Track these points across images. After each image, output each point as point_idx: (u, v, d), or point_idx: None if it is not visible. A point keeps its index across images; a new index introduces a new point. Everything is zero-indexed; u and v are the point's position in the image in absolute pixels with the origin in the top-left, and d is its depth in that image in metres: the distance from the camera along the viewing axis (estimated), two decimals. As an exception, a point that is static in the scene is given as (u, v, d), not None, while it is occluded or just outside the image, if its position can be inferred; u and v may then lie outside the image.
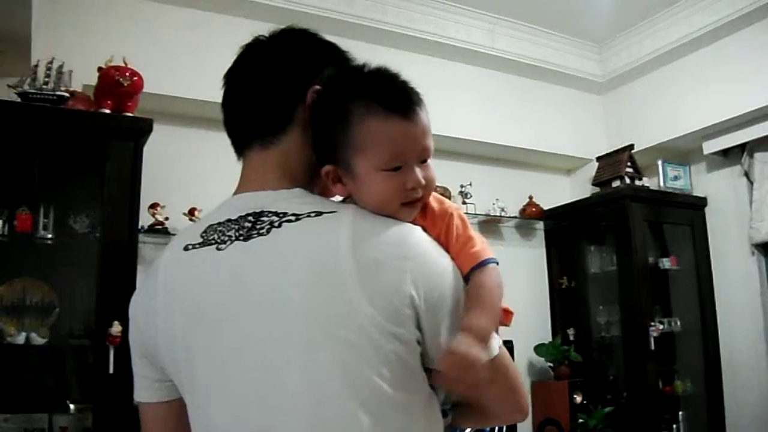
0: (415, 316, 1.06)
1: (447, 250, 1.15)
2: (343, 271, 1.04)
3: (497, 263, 1.16)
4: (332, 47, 1.30)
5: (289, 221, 1.11)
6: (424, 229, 1.15)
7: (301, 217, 1.11)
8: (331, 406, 1.04)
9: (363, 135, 1.12)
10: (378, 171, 1.12)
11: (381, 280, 1.05)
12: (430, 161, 1.18)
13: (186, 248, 1.19)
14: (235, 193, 1.23)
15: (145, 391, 1.25)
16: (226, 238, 1.15)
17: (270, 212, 1.14)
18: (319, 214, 1.11)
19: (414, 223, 1.15)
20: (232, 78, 1.28)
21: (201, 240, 1.18)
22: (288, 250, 1.09)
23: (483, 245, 1.17)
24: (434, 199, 1.20)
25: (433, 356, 1.10)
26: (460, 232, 1.17)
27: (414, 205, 1.16)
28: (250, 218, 1.15)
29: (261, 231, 1.12)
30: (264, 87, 1.23)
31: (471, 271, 1.14)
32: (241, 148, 1.26)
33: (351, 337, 1.03)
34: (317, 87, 1.19)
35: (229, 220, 1.17)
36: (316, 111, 1.19)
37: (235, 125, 1.27)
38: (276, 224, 1.11)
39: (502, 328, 1.25)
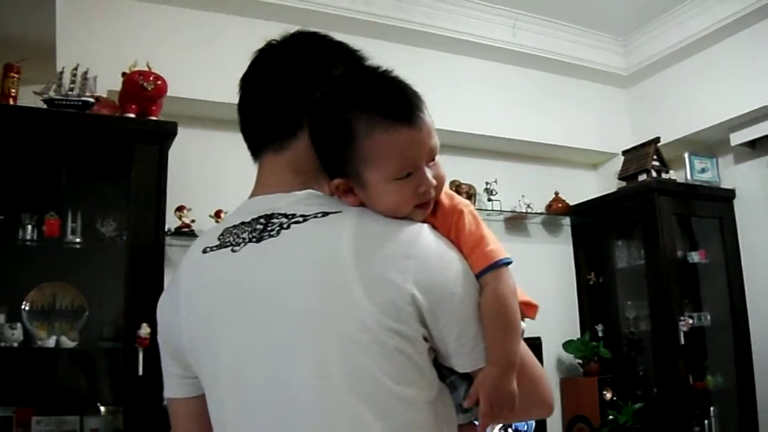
0: (418, 314, 1.07)
1: (459, 248, 1.15)
2: (345, 270, 1.07)
3: (510, 262, 1.15)
4: (341, 47, 1.30)
5: (297, 222, 1.14)
6: (434, 227, 1.16)
7: (308, 217, 1.13)
8: (335, 401, 1.06)
9: (370, 148, 1.12)
10: (390, 180, 1.13)
11: (382, 278, 1.06)
12: (437, 158, 1.18)
13: (204, 251, 1.23)
14: (251, 196, 1.26)
15: (173, 388, 1.30)
16: (240, 240, 1.18)
17: (280, 214, 1.16)
18: (325, 214, 1.13)
19: (424, 220, 1.16)
20: (245, 83, 1.29)
21: (218, 243, 1.21)
22: (295, 251, 1.12)
23: (496, 244, 1.16)
24: (445, 195, 1.20)
25: (444, 354, 1.12)
26: (473, 230, 1.16)
27: (427, 205, 1.16)
28: (262, 220, 1.18)
29: (271, 233, 1.15)
30: (273, 93, 1.25)
31: (484, 272, 1.13)
32: (255, 152, 1.28)
33: (353, 334, 1.05)
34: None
35: (243, 223, 1.20)
36: (316, 126, 1.19)
37: (248, 130, 1.29)
38: (285, 225, 1.14)
39: (529, 323, 1.25)
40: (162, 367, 1.31)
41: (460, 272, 1.12)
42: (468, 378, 1.16)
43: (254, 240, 1.16)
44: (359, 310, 1.05)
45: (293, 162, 1.23)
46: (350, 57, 1.29)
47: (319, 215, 1.13)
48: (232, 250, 1.18)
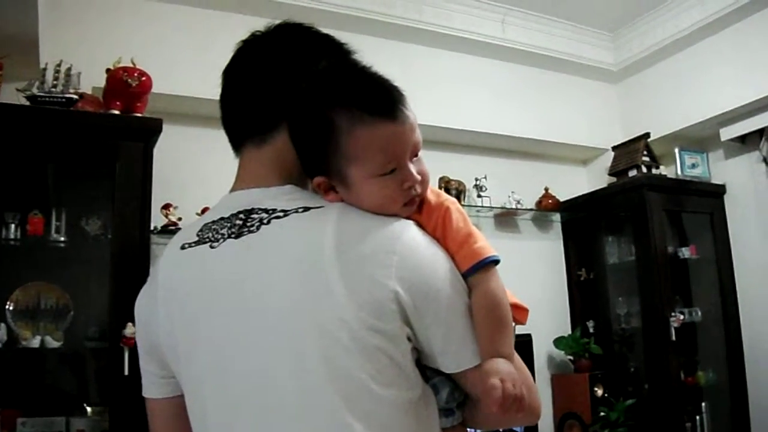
0: (401, 312, 1.05)
1: (444, 244, 1.13)
2: (325, 266, 1.05)
3: (498, 260, 1.13)
4: (326, 40, 1.28)
5: (278, 217, 1.12)
6: (419, 224, 1.14)
7: (289, 213, 1.11)
8: (315, 401, 1.04)
9: (353, 145, 1.10)
10: (373, 177, 1.11)
11: (363, 274, 1.05)
12: (420, 154, 1.16)
13: (183, 247, 1.21)
14: (231, 190, 1.24)
15: (152, 387, 1.28)
16: (219, 236, 1.16)
17: (260, 209, 1.14)
18: (306, 209, 1.12)
19: (409, 217, 1.14)
20: (227, 75, 1.27)
21: (197, 239, 1.19)
22: (275, 247, 1.10)
23: (483, 242, 1.14)
24: (431, 192, 1.18)
25: (429, 354, 1.10)
26: (460, 226, 1.14)
27: (413, 202, 1.14)
28: (242, 215, 1.15)
29: (251, 228, 1.13)
30: (255, 85, 1.23)
31: (472, 270, 1.12)
32: (236, 146, 1.26)
33: (334, 332, 1.03)
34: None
35: (222, 218, 1.18)
36: (296, 123, 1.17)
37: (229, 123, 1.27)
38: (265, 221, 1.12)
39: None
40: (140, 367, 1.29)
41: (447, 269, 1.10)
42: (452, 380, 1.13)
43: (233, 236, 1.14)
44: (339, 307, 1.03)
45: (274, 156, 1.21)
46: (336, 50, 1.27)
47: (300, 210, 1.12)
48: (211, 246, 1.16)
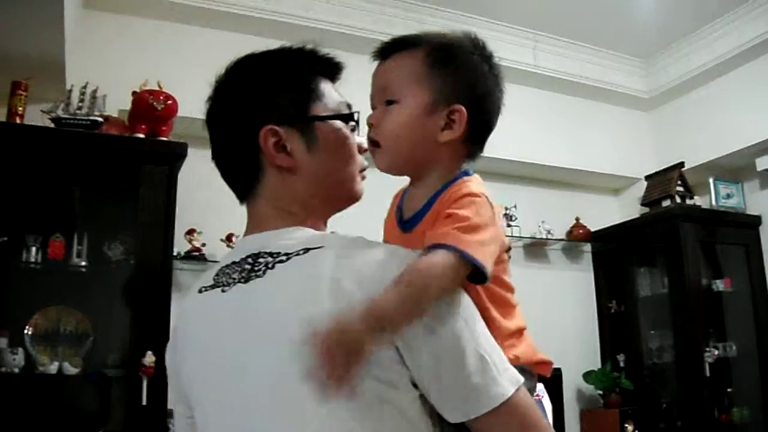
0: (397, 353, 0.99)
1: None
2: (322, 312, 0.96)
3: (463, 254, 1.00)
4: (283, 72, 1.22)
5: (281, 261, 1.08)
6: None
7: (291, 255, 1.08)
8: None
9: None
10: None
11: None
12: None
13: (200, 291, 1.20)
14: (244, 234, 1.23)
15: (180, 429, 1.29)
16: (231, 281, 1.14)
17: (266, 253, 1.12)
18: (306, 250, 1.08)
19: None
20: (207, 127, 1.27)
21: (212, 282, 1.18)
22: (277, 292, 1.06)
23: (461, 234, 1.02)
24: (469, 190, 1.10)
25: (431, 400, 1.01)
26: (464, 212, 1.05)
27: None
28: (250, 260, 1.13)
29: (258, 273, 1.10)
30: (223, 145, 1.23)
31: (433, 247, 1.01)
32: (239, 198, 1.26)
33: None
34: (270, 127, 1.15)
35: (234, 262, 1.17)
36: (237, 78, 1.22)
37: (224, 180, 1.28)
38: (270, 265, 1.09)
39: (549, 352, 1.15)
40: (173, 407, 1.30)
41: (447, 308, 1.01)
42: None
43: (243, 281, 1.12)
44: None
45: (272, 200, 1.20)
46: (295, 79, 1.22)
47: (301, 252, 1.08)
48: (222, 291, 1.14)
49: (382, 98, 1.16)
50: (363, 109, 1.23)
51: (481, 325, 1.03)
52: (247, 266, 1.12)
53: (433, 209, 1.13)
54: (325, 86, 1.22)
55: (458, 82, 1.15)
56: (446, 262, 0.99)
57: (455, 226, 1.02)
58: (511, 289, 1.16)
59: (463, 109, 1.13)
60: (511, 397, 0.99)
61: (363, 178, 1.24)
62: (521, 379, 1.02)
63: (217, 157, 1.24)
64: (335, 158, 1.19)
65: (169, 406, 2.81)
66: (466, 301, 1.03)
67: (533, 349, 1.13)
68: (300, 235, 1.13)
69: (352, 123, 1.23)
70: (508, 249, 1.16)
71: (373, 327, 0.91)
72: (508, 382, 1.00)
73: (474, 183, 1.13)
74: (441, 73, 1.15)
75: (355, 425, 0.97)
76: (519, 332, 1.15)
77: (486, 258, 1.02)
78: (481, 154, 1.22)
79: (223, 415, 1.10)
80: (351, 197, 1.25)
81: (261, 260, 1.11)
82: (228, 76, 1.23)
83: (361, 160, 1.24)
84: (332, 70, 1.26)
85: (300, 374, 0.96)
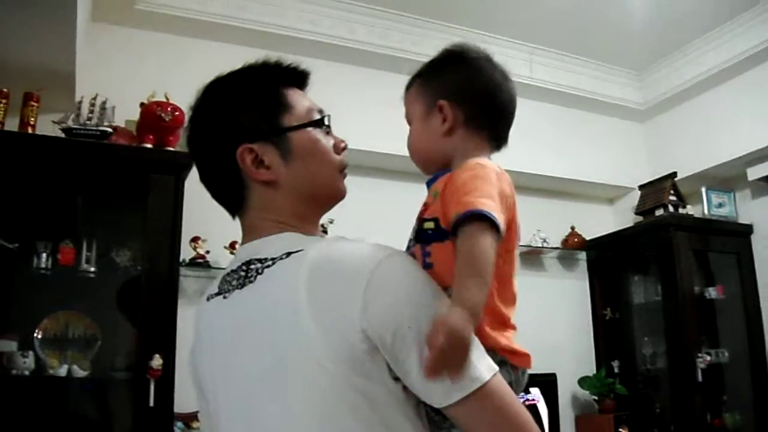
0: (374, 349, 1.03)
1: (444, 209, 1.14)
2: (300, 308, 1.05)
3: (489, 217, 1.06)
4: (250, 89, 1.28)
5: (268, 267, 1.15)
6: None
7: (276, 260, 1.14)
8: None
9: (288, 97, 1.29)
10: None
11: (335, 313, 1.04)
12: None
13: (207, 298, 1.28)
14: (241, 243, 1.29)
15: (203, 420, 1.33)
16: (231, 288, 1.21)
17: (256, 259, 1.18)
18: (288, 254, 1.14)
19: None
20: None
21: (217, 290, 1.26)
22: (264, 296, 1.13)
23: (482, 197, 1.09)
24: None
25: (415, 391, 1.06)
26: (463, 182, 1.13)
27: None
28: (244, 267, 1.20)
29: (250, 278, 1.17)
30: (205, 170, 1.29)
31: (458, 224, 1.06)
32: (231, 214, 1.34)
33: (316, 379, 1.04)
34: (245, 146, 1.22)
35: (233, 270, 1.23)
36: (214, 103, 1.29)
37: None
38: (260, 271, 1.16)
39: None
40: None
41: (417, 302, 1.05)
42: None
43: (239, 287, 1.19)
44: (316, 351, 1.03)
45: (262, 212, 1.26)
46: (263, 95, 1.28)
47: (284, 256, 1.14)
48: (224, 297, 1.22)
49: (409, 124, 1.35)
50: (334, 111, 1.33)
51: None
52: (242, 273, 1.19)
53: (438, 182, 1.23)
54: (293, 96, 1.28)
55: (439, 85, 1.31)
56: (478, 231, 1.04)
57: (461, 195, 1.10)
58: (511, 281, 1.23)
59: (445, 102, 1.27)
60: (488, 381, 1.02)
61: (344, 176, 1.30)
62: (497, 368, 1.04)
63: (203, 180, 1.30)
64: (312, 163, 1.24)
65: (176, 408, 2.88)
66: (437, 306, 1.04)
67: (508, 339, 1.17)
68: (285, 240, 1.19)
69: (325, 126, 1.29)
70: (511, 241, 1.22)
71: (471, 321, 0.96)
72: (486, 368, 1.03)
73: (477, 159, 1.22)
74: (427, 86, 1.33)
75: (335, 407, 1.03)
76: (512, 326, 1.20)
77: (496, 210, 1.07)
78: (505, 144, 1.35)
79: (229, 406, 1.17)
80: (334, 197, 1.31)
81: (252, 267, 1.17)
82: (199, 102, 1.29)
83: (340, 159, 1.30)
84: (299, 78, 1.32)
85: (281, 368, 1.06)
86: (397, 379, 1.05)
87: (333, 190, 1.29)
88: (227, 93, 1.28)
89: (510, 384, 1.08)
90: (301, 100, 1.28)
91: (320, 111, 1.30)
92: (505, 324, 1.18)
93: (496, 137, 1.36)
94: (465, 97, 1.29)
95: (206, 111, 1.28)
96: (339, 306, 1.04)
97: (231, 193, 1.27)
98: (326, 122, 1.29)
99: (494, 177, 1.16)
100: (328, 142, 1.28)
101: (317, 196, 1.28)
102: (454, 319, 0.94)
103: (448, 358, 0.94)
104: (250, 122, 1.23)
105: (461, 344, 0.95)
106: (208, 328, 1.25)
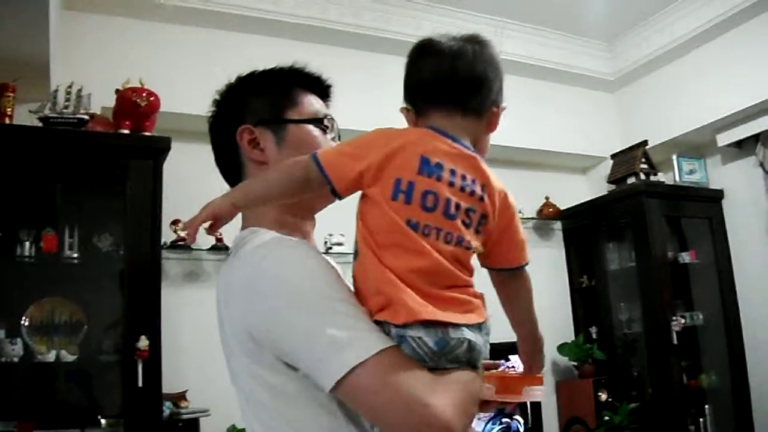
0: (260, 349, 1.09)
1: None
2: (221, 308, 1.19)
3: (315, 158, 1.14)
4: (266, 82, 1.37)
5: (226, 261, 1.25)
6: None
7: (228, 258, 1.24)
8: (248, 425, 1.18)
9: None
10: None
11: (234, 314, 1.14)
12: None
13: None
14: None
15: None
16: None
17: (228, 253, 1.28)
18: (229, 253, 1.25)
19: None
20: None
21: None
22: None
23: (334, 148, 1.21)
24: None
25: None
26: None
27: None
28: (229, 252, 1.29)
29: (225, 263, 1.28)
30: (215, 149, 1.41)
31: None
32: None
33: (240, 374, 1.16)
34: (245, 126, 1.32)
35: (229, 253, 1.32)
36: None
37: None
38: (227, 259, 1.25)
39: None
40: None
41: (294, 295, 1.06)
42: None
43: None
44: (232, 353, 1.16)
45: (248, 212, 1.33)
46: (276, 88, 1.36)
47: (229, 255, 1.24)
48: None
49: None
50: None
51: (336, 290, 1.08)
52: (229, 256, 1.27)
53: None
54: (306, 97, 1.35)
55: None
56: (299, 159, 1.14)
57: None
58: (409, 235, 1.08)
59: (402, 107, 1.25)
60: (365, 361, 0.99)
61: None
62: (382, 345, 1.01)
63: (215, 159, 1.40)
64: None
65: (164, 389, 2.93)
66: (310, 271, 1.09)
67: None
68: (240, 239, 1.25)
69: (324, 127, 1.34)
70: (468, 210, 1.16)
71: (227, 202, 1.13)
72: (361, 348, 1.00)
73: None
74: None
75: (255, 393, 1.14)
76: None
77: (327, 154, 1.11)
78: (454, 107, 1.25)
79: None
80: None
81: (228, 256, 1.26)
82: (224, 90, 1.39)
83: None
84: (320, 87, 1.40)
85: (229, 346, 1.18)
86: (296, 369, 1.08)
87: None
88: (246, 83, 1.37)
89: (444, 351, 1.03)
90: (312, 103, 1.36)
91: (328, 116, 1.36)
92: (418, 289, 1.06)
93: (453, 103, 1.25)
94: (406, 95, 1.25)
95: (224, 97, 1.38)
96: (237, 306, 1.13)
97: (231, 170, 1.37)
98: (326, 123, 1.35)
99: (373, 135, 1.14)
100: (324, 141, 1.33)
101: None
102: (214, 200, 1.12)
103: (197, 217, 1.12)
104: (256, 107, 1.33)
105: (207, 207, 1.13)
106: None
